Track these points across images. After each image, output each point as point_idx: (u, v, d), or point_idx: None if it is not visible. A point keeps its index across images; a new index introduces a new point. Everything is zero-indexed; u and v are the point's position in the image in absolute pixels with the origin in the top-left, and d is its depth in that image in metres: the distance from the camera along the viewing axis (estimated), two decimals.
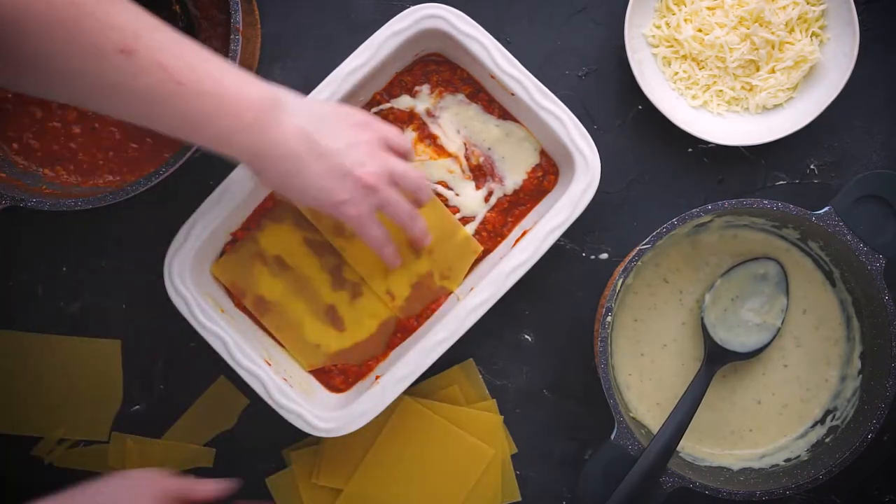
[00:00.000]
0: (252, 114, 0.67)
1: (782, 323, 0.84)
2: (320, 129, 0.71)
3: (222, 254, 0.86)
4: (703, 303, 0.84)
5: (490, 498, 0.88)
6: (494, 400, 0.89)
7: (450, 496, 0.87)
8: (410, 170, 0.75)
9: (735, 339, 0.84)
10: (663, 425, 0.78)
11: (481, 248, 0.86)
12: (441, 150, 0.87)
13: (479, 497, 0.88)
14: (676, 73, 0.88)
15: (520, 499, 0.89)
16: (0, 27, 0.59)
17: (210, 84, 0.66)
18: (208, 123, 0.67)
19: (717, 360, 0.83)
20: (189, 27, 0.85)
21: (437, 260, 0.85)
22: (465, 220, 0.87)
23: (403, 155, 0.77)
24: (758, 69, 0.87)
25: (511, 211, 0.87)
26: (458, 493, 0.87)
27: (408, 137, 0.78)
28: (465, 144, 0.87)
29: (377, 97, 0.87)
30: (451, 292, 0.86)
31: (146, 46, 0.63)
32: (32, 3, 0.59)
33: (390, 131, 0.76)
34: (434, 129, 0.87)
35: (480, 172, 0.87)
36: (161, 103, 0.65)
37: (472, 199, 0.87)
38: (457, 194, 0.87)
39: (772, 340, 0.84)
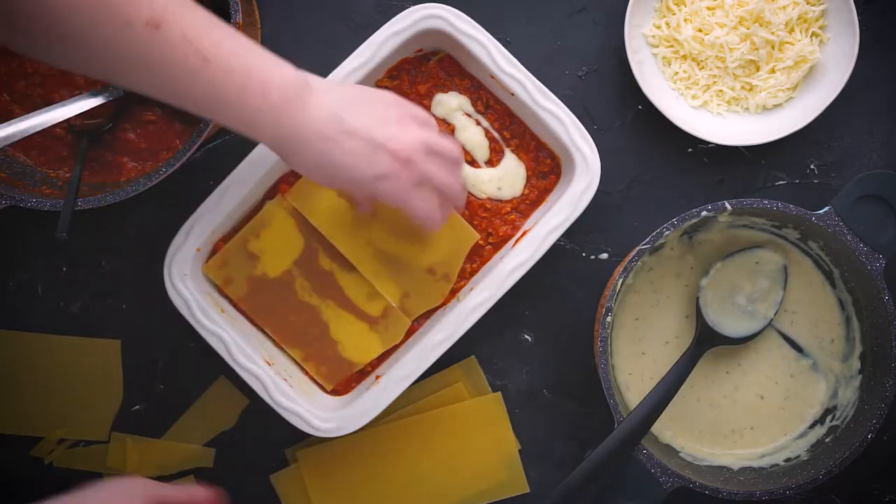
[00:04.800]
0: (278, 93, 0.66)
1: (775, 315, 0.84)
2: (348, 109, 0.70)
3: (214, 253, 0.86)
4: (701, 283, 0.84)
5: (498, 488, 0.89)
6: (499, 393, 0.89)
7: (458, 485, 0.88)
8: (445, 140, 0.74)
9: (726, 322, 0.84)
10: (644, 398, 0.79)
11: (478, 236, 0.86)
12: None
13: (487, 486, 0.88)
14: (676, 73, 0.88)
15: (528, 490, 0.89)
16: None
17: (237, 62, 0.65)
18: (233, 102, 0.66)
19: (705, 341, 0.83)
20: None
21: (436, 252, 0.85)
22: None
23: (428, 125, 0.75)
24: (758, 69, 0.87)
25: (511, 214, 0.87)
26: (467, 477, 0.88)
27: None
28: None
29: None
30: (451, 284, 0.86)
31: (173, 21, 0.63)
32: None
33: (419, 109, 0.74)
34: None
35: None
36: (186, 79, 0.64)
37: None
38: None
39: (762, 330, 0.84)
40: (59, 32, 0.61)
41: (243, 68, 0.65)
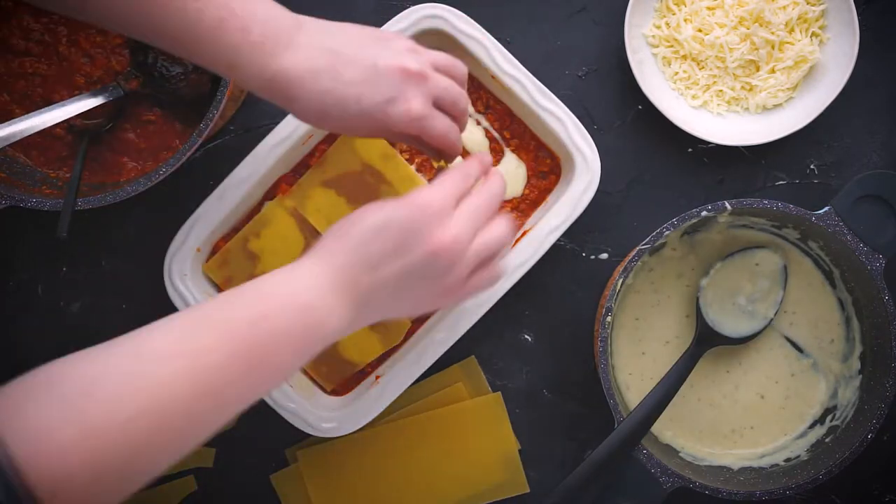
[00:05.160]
0: (260, 28, 0.62)
1: (775, 315, 0.84)
2: (339, 39, 0.65)
3: (214, 252, 0.86)
4: (701, 283, 0.84)
5: (497, 488, 0.89)
6: (499, 393, 0.89)
7: (458, 485, 0.88)
8: (451, 60, 0.69)
9: (726, 322, 0.84)
10: (644, 399, 0.79)
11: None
12: None
13: (487, 486, 0.88)
14: (676, 73, 0.88)
15: (528, 490, 0.89)
16: None
17: (237, 6, 0.61)
18: (208, 38, 0.61)
19: (705, 341, 0.83)
20: None
21: None
22: None
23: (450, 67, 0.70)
24: (758, 69, 0.87)
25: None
26: (467, 477, 0.88)
27: None
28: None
29: None
30: None
31: None
32: None
33: (414, 43, 0.69)
34: None
35: None
36: (156, 12, 0.61)
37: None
38: None
39: (762, 330, 0.84)
40: None
41: (221, 2, 0.61)
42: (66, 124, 0.86)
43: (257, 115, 0.90)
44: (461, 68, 0.70)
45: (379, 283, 0.62)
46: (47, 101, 0.86)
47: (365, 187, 0.82)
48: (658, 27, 0.87)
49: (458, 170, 0.67)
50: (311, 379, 0.86)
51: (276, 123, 0.84)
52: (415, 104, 0.65)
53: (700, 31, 0.86)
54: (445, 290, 0.65)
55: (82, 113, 0.81)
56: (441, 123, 0.68)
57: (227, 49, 0.62)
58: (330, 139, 0.87)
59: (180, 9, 0.61)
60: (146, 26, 0.62)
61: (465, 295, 0.67)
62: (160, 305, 0.85)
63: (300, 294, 0.60)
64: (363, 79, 0.64)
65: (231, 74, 0.64)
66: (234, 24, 0.62)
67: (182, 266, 0.83)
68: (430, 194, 0.64)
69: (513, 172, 0.87)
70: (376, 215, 0.63)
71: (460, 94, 0.69)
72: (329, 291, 0.61)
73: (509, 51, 0.83)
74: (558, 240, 0.84)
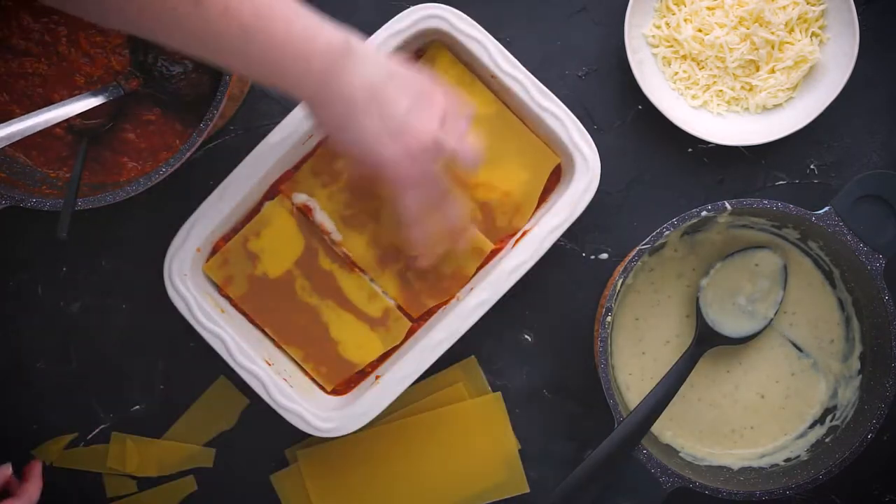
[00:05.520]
0: (320, 60, 0.67)
1: (775, 315, 0.84)
2: (387, 88, 0.70)
3: (214, 252, 0.86)
4: (701, 283, 0.84)
5: (497, 488, 0.89)
6: (499, 392, 0.89)
7: (458, 485, 0.88)
8: (462, 148, 0.74)
9: (726, 322, 0.84)
10: (644, 398, 0.79)
11: (492, 246, 0.86)
12: None
13: (487, 486, 0.88)
14: (676, 73, 0.88)
15: (528, 490, 0.89)
16: None
17: (280, 30, 0.65)
18: (275, 70, 0.67)
19: (705, 341, 0.83)
20: None
21: (444, 255, 0.85)
22: None
23: (457, 119, 0.75)
24: (758, 69, 0.87)
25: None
26: (467, 477, 0.88)
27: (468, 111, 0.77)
28: None
29: None
30: (458, 289, 0.86)
31: None
32: None
33: (452, 106, 0.74)
34: None
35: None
36: (226, 50, 0.65)
37: None
38: None
39: (762, 330, 0.84)
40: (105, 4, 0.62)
41: (284, 37, 0.66)
42: (66, 124, 0.86)
43: (257, 115, 0.90)
44: (466, 159, 0.75)
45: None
46: (47, 101, 0.86)
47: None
48: (658, 27, 0.87)
49: None
50: (311, 379, 0.86)
51: (276, 123, 0.84)
52: (400, 177, 0.72)
53: (700, 31, 0.86)
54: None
55: (82, 113, 0.81)
56: (411, 207, 0.75)
57: (290, 79, 0.68)
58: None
59: (249, 50, 0.65)
60: (210, 59, 0.67)
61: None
62: (160, 305, 0.86)
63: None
64: (377, 133, 0.70)
65: (284, 91, 0.69)
66: (298, 57, 0.66)
67: (182, 266, 0.83)
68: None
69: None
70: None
71: (435, 194, 0.75)
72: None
73: (509, 51, 0.83)
74: (558, 240, 0.84)
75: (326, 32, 0.68)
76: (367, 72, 0.69)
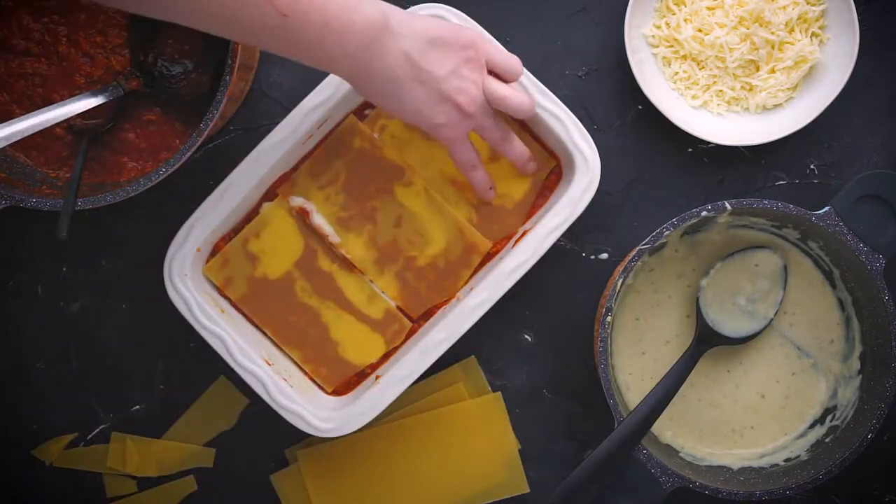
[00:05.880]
0: (355, 41, 0.68)
1: (775, 315, 0.84)
2: (425, 55, 0.72)
3: (214, 253, 0.86)
4: (701, 283, 0.84)
5: (497, 488, 0.89)
6: (499, 392, 0.89)
7: (458, 485, 0.88)
8: (509, 94, 0.76)
9: (726, 322, 0.84)
10: (644, 398, 0.79)
11: (490, 244, 0.86)
12: None
13: (487, 486, 0.88)
14: (676, 73, 0.88)
15: (528, 490, 0.89)
16: None
17: (315, 14, 0.66)
18: (312, 52, 0.68)
19: (705, 341, 0.83)
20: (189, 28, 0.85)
21: (443, 255, 0.85)
22: None
23: (509, 72, 0.78)
24: (758, 69, 0.87)
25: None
26: (467, 477, 0.88)
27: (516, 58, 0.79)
28: None
29: None
30: (455, 291, 0.86)
31: None
32: None
33: (496, 52, 0.77)
34: None
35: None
36: (264, 34, 0.66)
37: None
38: None
39: (762, 330, 0.84)
40: None
41: (320, 20, 0.67)
42: (66, 124, 0.86)
43: (257, 115, 0.90)
44: (514, 104, 0.77)
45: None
46: (47, 101, 0.86)
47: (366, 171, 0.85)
48: (658, 27, 0.87)
49: None
50: (311, 379, 0.86)
51: (276, 123, 0.84)
52: (454, 134, 0.76)
53: (700, 31, 0.86)
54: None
55: (82, 113, 0.81)
56: (465, 157, 0.79)
57: (326, 59, 0.69)
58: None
59: (286, 34, 0.66)
60: (248, 42, 0.68)
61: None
62: (160, 305, 0.86)
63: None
64: (427, 100, 0.73)
65: (322, 69, 0.71)
66: (333, 40, 0.68)
67: (182, 266, 0.83)
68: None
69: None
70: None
71: (497, 136, 0.79)
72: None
73: (509, 50, 0.83)
74: (558, 240, 0.84)
75: (362, 13, 0.68)
76: (404, 45, 0.70)
